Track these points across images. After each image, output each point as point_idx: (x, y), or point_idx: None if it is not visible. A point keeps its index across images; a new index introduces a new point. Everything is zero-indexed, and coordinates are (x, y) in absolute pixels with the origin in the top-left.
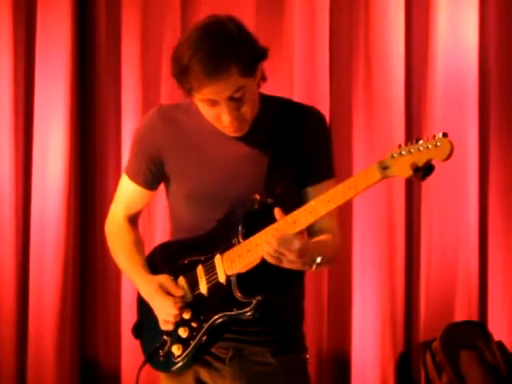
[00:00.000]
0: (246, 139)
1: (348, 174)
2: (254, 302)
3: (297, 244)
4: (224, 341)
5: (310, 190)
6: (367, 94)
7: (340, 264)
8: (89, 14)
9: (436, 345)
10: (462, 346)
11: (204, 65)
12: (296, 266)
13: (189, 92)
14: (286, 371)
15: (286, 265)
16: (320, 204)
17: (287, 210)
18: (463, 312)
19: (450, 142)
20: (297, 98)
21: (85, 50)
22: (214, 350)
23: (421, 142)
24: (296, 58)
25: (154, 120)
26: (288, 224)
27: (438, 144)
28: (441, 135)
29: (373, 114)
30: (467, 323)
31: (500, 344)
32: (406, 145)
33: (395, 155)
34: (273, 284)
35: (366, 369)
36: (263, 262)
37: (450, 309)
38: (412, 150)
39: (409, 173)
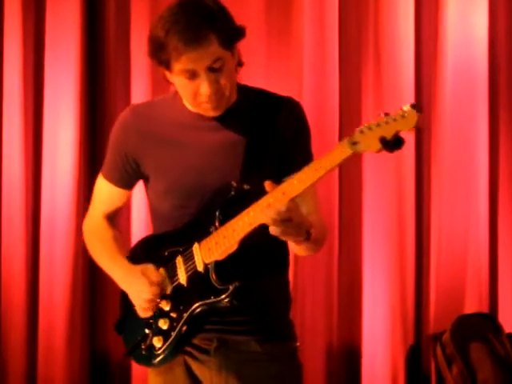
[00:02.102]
0: (222, 130)
1: (358, 166)
2: (230, 288)
3: (296, 205)
4: (208, 332)
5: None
6: (377, 87)
7: (350, 257)
8: (98, 8)
9: (446, 337)
10: (473, 338)
11: (183, 34)
12: (297, 233)
13: (167, 66)
14: (273, 359)
15: (291, 231)
16: (306, 174)
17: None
18: (473, 304)
19: (416, 113)
20: (306, 91)
21: (94, 44)
22: (197, 342)
23: (389, 115)
24: (305, 51)
25: (127, 120)
26: (278, 197)
27: (405, 115)
28: (408, 106)
29: (382, 105)
30: (477, 315)
31: (510, 336)
32: (375, 120)
33: (364, 130)
34: (251, 271)
35: (376, 361)
36: (241, 249)
37: (460, 301)
38: (380, 124)
39: (378, 146)
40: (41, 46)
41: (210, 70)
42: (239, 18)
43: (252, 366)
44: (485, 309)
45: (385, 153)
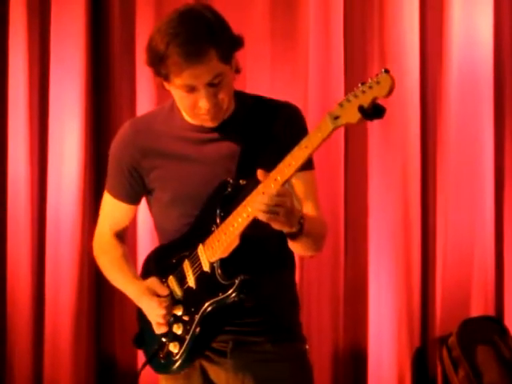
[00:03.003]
0: (221, 140)
1: (363, 168)
2: (236, 281)
3: (288, 191)
4: (223, 334)
5: (293, 181)
6: None
7: (356, 260)
8: (103, 13)
9: (452, 340)
10: (479, 341)
11: (183, 49)
12: (289, 221)
13: (166, 78)
14: (286, 360)
15: (282, 217)
16: (294, 155)
17: None
18: (479, 307)
19: (391, 77)
20: (311, 92)
21: (99, 51)
22: (214, 344)
23: (365, 83)
24: (311, 55)
25: (127, 136)
26: (271, 182)
27: (380, 81)
28: (382, 72)
29: (387, 107)
30: (483, 318)
31: None
32: (352, 91)
33: (343, 103)
34: (256, 267)
35: (383, 364)
36: (245, 246)
37: (467, 304)
38: (356, 94)
39: (357, 116)
40: (46, 51)
41: (209, 85)
42: (244, 23)
43: (267, 366)
44: (491, 312)
45: (394, 154)
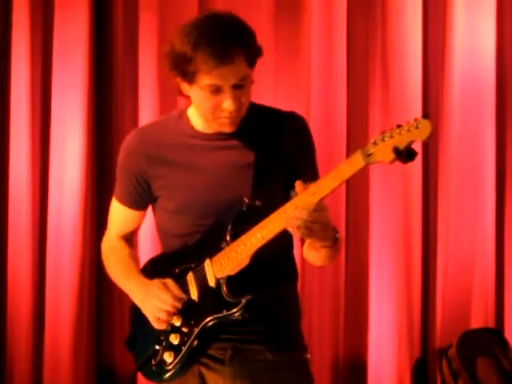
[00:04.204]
0: (229, 148)
1: (365, 178)
2: (243, 301)
3: (325, 207)
4: (222, 341)
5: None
6: (384, 100)
7: (357, 270)
8: (106, 20)
9: (452, 351)
10: (479, 352)
11: (214, 48)
12: (325, 236)
13: (191, 78)
14: (286, 368)
15: (317, 233)
16: (320, 186)
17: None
18: (480, 319)
19: (430, 123)
20: (314, 102)
21: (102, 55)
22: (212, 351)
23: (402, 126)
24: (313, 62)
25: (133, 143)
26: (307, 196)
27: (419, 126)
28: (421, 117)
29: (390, 118)
30: (484, 330)
31: None
32: (387, 131)
33: (377, 141)
34: (261, 284)
35: (383, 375)
36: (252, 263)
37: (467, 315)
38: (393, 135)
39: (391, 156)
40: (48, 57)
41: (235, 87)
42: None
43: (266, 374)
44: (491, 324)
45: (395, 164)
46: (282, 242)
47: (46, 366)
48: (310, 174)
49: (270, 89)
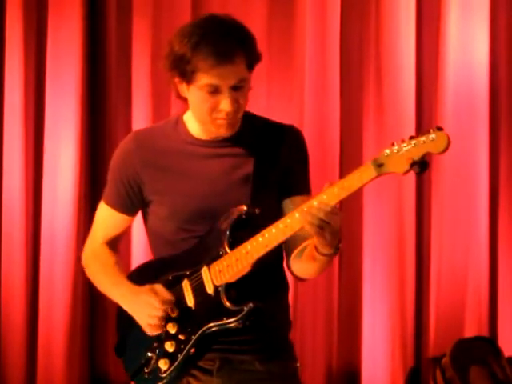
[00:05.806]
0: (225, 156)
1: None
2: (245, 309)
3: (339, 212)
4: (210, 352)
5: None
6: (378, 107)
7: (350, 280)
8: (99, 24)
9: (446, 360)
10: (472, 361)
11: (215, 47)
12: (331, 241)
13: (190, 78)
14: (275, 377)
15: (328, 234)
16: (330, 193)
17: (271, 222)
18: (473, 327)
19: (447, 135)
20: (307, 110)
21: (95, 63)
22: (200, 362)
23: (415, 138)
24: (307, 70)
25: (130, 146)
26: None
27: (434, 137)
28: (436, 129)
29: (383, 127)
30: (477, 339)
31: (510, 360)
32: (400, 143)
33: (389, 152)
34: (258, 292)
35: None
36: (251, 271)
37: (460, 324)
38: (407, 146)
39: (405, 167)
40: (42, 63)
41: (233, 88)
42: None
43: None
44: (485, 332)
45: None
46: (274, 252)
47: (40, 374)
48: (302, 189)
49: (262, 98)
